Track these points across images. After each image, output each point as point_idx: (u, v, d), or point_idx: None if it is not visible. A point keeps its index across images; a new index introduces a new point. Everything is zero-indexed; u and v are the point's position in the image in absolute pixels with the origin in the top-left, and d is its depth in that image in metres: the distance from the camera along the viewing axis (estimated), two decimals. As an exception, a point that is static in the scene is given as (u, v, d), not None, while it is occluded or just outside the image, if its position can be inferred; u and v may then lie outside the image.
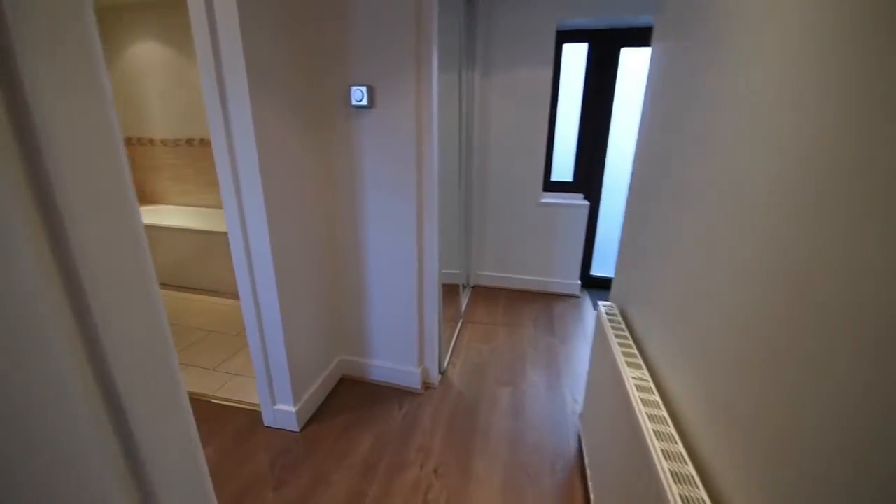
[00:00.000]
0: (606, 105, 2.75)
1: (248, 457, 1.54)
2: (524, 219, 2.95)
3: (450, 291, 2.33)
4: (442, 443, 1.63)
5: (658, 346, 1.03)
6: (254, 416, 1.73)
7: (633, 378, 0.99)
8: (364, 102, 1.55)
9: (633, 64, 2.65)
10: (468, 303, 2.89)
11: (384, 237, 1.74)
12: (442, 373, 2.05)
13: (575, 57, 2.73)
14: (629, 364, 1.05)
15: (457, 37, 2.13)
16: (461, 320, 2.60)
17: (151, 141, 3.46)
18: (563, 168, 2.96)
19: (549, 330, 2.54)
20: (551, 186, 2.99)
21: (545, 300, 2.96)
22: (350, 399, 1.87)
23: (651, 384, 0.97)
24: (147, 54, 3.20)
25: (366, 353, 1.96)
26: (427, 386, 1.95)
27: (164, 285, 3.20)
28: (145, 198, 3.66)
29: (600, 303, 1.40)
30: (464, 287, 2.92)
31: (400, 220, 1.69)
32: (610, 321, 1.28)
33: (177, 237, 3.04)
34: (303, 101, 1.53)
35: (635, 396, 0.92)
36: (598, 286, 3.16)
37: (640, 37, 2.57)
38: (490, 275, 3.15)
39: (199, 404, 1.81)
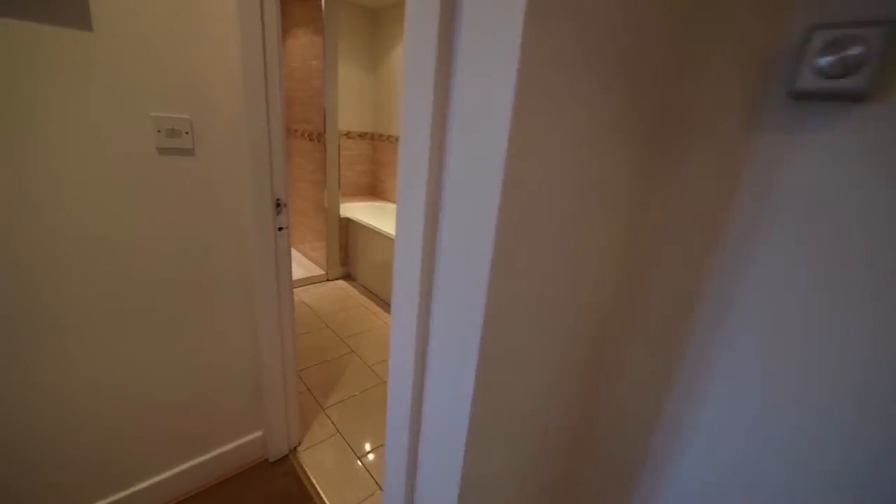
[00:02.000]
0: None
1: None
2: None
3: None
4: None
5: None
6: None
7: None
8: (857, 82, 0.40)
9: None
10: None
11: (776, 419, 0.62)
12: None
13: None
14: None
15: None
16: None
17: (389, 138, 3.37)
18: None
19: None
20: None
21: None
22: None
23: None
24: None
25: None
26: None
27: (374, 296, 2.97)
28: (377, 193, 3.63)
29: None
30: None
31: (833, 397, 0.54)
32: None
33: (384, 242, 2.72)
34: (633, 69, 0.55)
35: None
36: None
37: None
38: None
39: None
